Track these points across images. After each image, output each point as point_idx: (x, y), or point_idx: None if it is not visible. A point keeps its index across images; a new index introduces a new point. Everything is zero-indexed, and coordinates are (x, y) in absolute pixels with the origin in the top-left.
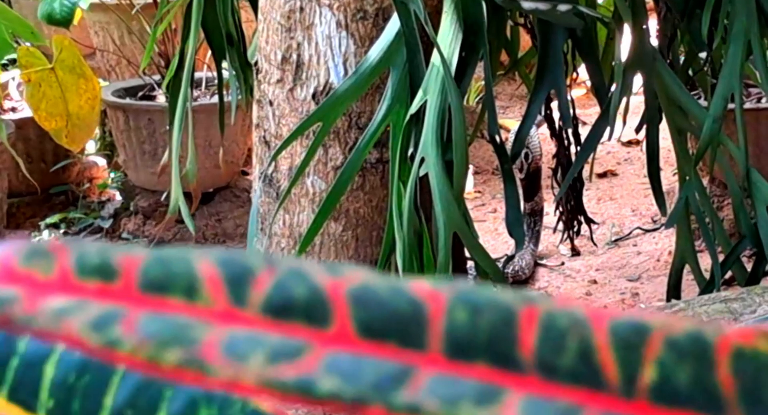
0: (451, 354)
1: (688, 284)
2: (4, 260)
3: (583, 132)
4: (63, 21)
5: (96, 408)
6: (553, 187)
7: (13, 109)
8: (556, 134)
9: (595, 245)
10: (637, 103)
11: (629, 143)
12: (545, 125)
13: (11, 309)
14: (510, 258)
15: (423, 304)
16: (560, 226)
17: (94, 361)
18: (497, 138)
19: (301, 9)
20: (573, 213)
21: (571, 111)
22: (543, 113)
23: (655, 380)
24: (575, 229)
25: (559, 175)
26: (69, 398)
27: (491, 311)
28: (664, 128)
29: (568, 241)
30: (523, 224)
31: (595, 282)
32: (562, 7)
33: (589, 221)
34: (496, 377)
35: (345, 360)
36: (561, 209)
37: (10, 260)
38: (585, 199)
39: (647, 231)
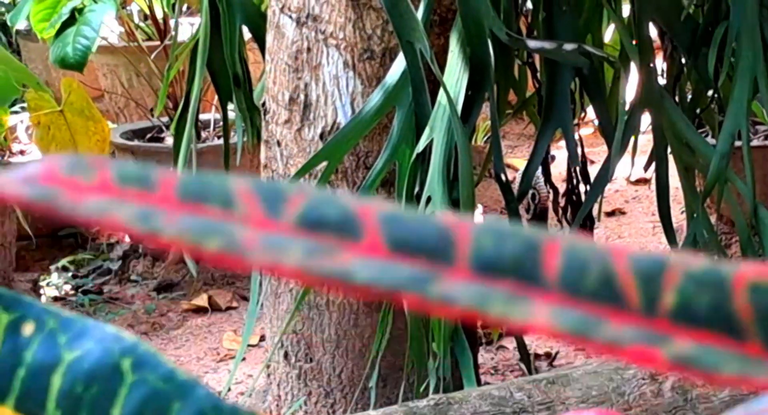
0: (477, 271)
1: None
2: (49, 168)
3: (591, 170)
4: (77, 65)
5: None
6: (562, 226)
7: (22, 152)
8: (549, 181)
9: None
10: (644, 141)
11: (637, 182)
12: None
13: (57, 201)
14: None
15: (450, 230)
16: None
17: (101, 372)
18: (503, 177)
19: (309, 49)
20: None
21: (579, 150)
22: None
23: (676, 303)
24: None
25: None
26: (76, 409)
27: (516, 239)
28: (671, 166)
29: None
30: None
31: None
32: (568, 47)
33: None
34: (523, 290)
35: (378, 261)
36: None
37: (54, 169)
38: (594, 238)
39: None
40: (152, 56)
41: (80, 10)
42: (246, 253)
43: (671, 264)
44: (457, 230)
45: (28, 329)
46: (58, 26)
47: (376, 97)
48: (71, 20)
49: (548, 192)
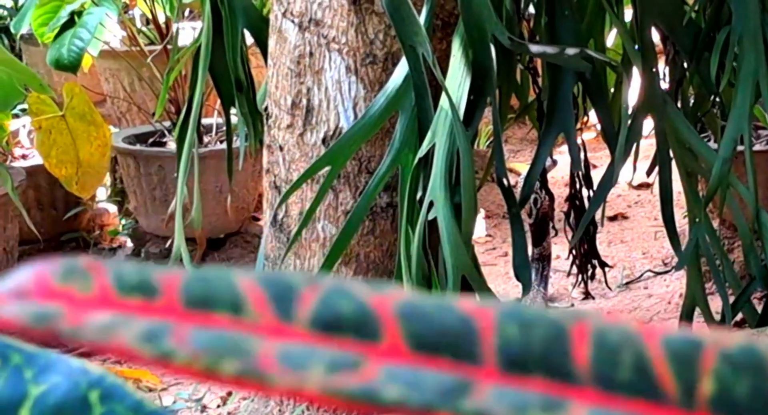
0: (506, 368)
1: (699, 326)
2: (41, 278)
3: (593, 175)
4: (71, 66)
5: None
6: (565, 231)
7: (24, 157)
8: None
9: (609, 288)
10: (645, 145)
11: (640, 186)
12: (554, 169)
13: (56, 324)
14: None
15: (472, 319)
16: (573, 269)
17: (69, 405)
18: (505, 181)
19: (311, 54)
20: (587, 257)
21: (582, 154)
22: (552, 158)
23: (714, 391)
24: (589, 273)
25: (571, 218)
26: None
27: (542, 326)
28: (673, 171)
29: (580, 284)
30: (530, 267)
31: None
32: (570, 51)
33: (603, 265)
34: (555, 389)
35: (404, 371)
36: (574, 252)
37: (47, 278)
38: (596, 243)
39: (658, 274)
40: (150, 59)
41: (80, 13)
42: (266, 376)
43: (706, 345)
44: (480, 318)
45: None
46: (57, 29)
47: (379, 101)
48: (70, 23)
49: (544, 198)
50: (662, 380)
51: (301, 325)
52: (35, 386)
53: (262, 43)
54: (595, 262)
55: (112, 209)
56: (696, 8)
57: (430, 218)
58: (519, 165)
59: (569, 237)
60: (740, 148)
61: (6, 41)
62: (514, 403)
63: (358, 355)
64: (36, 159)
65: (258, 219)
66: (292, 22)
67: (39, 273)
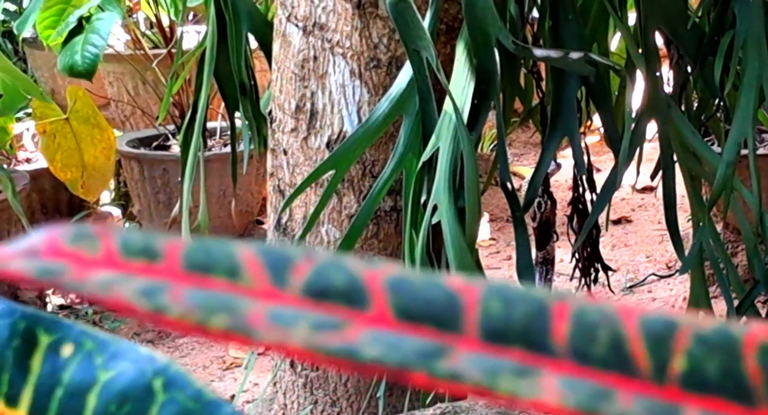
0: (486, 339)
1: None
2: (51, 239)
3: (597, 178)
4: (85, 73)
5: None
6: (568, 235)
7: (28, 160)
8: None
9: (612, 292)
10: (649, 149)
11: (643, 190)
12: (558, 173)
13: (61, 278)
14: None
15: (458, 295)
16: (576, 273)
17: (134, 391)
18: (509, 185)
19: (315, 58)
20: (590, 260)
21: (585, 158)
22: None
23: (685, 369)
24: (592, 276)
25: (574, 222)
26: None
27: (524, 303)
28: (677, 174)
29: (583, 288)
30: (534, 271)
31: None
32: (574, 55)
33: (606, 269)
34: (532, 360)
35: (386, 335)
36: (577, 256)
37: (57, 240)
38: (600, 246)
39: (662, 277)
40: (155, 63)
41: (87, 18)
42: (252, 331)
43: (681, 326)
44: (465, 294)
45: (67, 350)
46: (65, 35)
47: (383, 105)
48: (78, 28)
49: (546, 202)
50: (636, 357)
51: (293, 291)
52: (104, 372)
53: (266, 47)
54: (598, 266)
55: (116, 212)
56: (700, 12)
57: (433, 221)
58: (523, 169)
59: (572, 241)
60: (744, 152)
61: (10, 45)
62: (487, 368)
63: (343, 319)
64: (40, 163)
65: (262, 223)
66: (297, 26)
67: (50, 235)
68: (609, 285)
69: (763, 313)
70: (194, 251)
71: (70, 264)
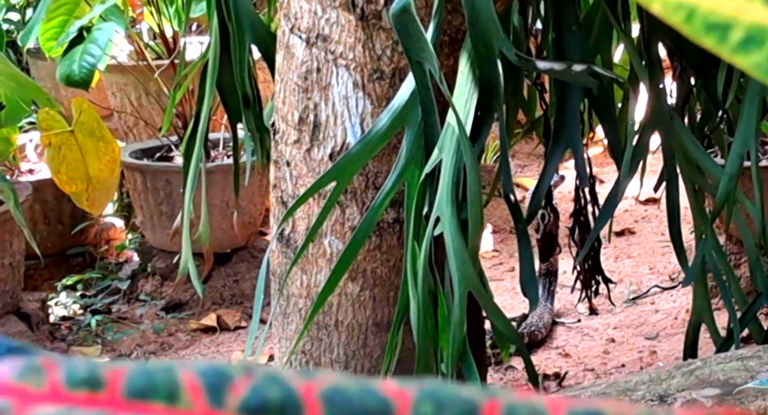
0: None
1: (706, 342)
2: (1, 376)
3: (600, 190)
4: (82, 83)
5: None
6: (570, 247)
7: (31, 171)
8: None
9: (613, 304)
10: (652, 161)
11: (647, 201)
12: (562, 185)
13: None
14: (524, 317)
15: (391, 401)
16: (578, 285)
17: None
18: (512, 197)
19: (318, 70)
20: (591, 273)
21: (588, 170)
22: (559, 174)
23: None
24: (593, 288)
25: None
26: None
27: (455, 405)
28: (680, 186)
29: (586, 300)
30: (537, 283)
31: (613, 340)
32: (577, 67)
33: (607, 281)
34: None
35: None
36: (579, 268)
37: (5, 376)
38: (603, 258)
39: (665, 289)
40: (158, 73)
41: (88, 29)
42: None
43: None
44: (398, 399)
45: None
46: (66, 45)
47: (386, 117)
48: (79, 39)
49: (549, 215)
50: None
51: (230, 411)
52: None
53: (269, 59)
54: (599, 278)
55: (119, 223)
56: None
57: (436, 233)
58: (526, 180)
59: (574, 253)
60: (747, 164)
61: (13, 55)
62: None
63: None
64: (43, 174)
65: (265, 234)
66: (300, 37)
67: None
68: (610, 298)
69: (765, 325)
70: (135, 377)
71: (14, 401)
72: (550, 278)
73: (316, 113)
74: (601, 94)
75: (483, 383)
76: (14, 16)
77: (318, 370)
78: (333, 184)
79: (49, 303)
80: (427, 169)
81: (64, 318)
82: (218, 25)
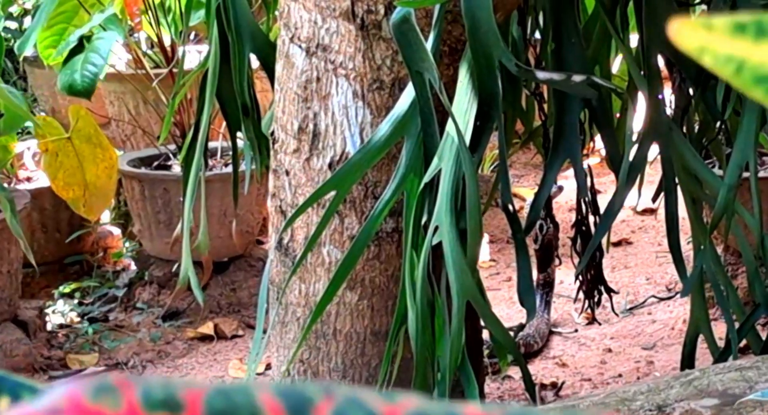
0: None
1: (704, 352)
2: (73, 396)
3: (598, 200)
4: (84, 92)
5: None
6: (572, 257)
7: (29, 179)
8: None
9: (616, 314)
10: (650, 171)
11: (644, 212)
12: (560, 195)
13: None
14: (521, 327)
15: None
16: (580, 295)
17: None
18: (510, 207)
19: (318, 79)
20: (593, 283)
21: (589, 180)
22: (557, 184)
23: None
24: (596, 299)
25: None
26: None
27: None
28: (678, 196)
29: (586, 310)
30: (534, 293)
31: (610, 350)
32: (576, 78)
33: (610, 291)
34: None
35: None
36: (581, 278)
37: (79, 397)
38: (602, 269)
39: (662, 299)
40: (156, 82)
41: (88, 38)
42: None
43: None
44: None
45: (2, 403)
46: (65, 53)
47: (385, 127)
48: (79, 47)
49: (549, 227)
50: None
51: None
52: None
53: (268, 68)
54: (602, 288)
55: (116, 231)
56: None
57: (434, 242)
58: (523, 190)
59: (575, 262)
60: (745, 175)
61: (10, 64)
62: None
63: None
64: (40, 181)
65: (262, 243)
66: (300, 47)
67: (71, 391)
68: (613, 308)
69: (763, 335)
70: (215, 399)
71: None
72: (547, 288)
73: (315, 123)
74: (600, 104)
75: (481, 393)
76: (12, 25)
77: (401, 392)
78: (332, 193)
79: (46, 311)
80: (426, 178)
81: (61, 326)
82: (218, 34)
